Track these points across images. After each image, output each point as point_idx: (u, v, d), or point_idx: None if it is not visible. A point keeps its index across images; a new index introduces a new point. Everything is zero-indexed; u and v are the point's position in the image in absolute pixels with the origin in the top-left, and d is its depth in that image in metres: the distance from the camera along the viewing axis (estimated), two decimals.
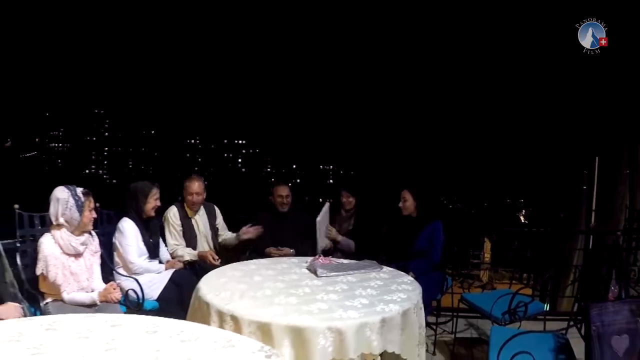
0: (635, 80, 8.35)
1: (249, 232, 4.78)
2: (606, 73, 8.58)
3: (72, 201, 3.40)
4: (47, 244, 3.45)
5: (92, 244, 3.74)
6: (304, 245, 4.73)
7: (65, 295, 3.49)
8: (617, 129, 8.52)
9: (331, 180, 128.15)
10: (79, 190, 3.50)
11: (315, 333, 2.35)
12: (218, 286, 2.96)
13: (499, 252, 13.40)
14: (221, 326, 2.52)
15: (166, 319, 2.33)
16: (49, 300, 3.52)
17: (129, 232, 4.18)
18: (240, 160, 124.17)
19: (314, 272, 3.31)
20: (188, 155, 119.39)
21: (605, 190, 8.11)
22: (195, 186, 4.78)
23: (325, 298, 2.79)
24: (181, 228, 4.74)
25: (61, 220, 3.44)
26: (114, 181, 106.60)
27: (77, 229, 3.54)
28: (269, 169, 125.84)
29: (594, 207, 8.24)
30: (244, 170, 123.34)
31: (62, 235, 3.47)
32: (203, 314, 2.68)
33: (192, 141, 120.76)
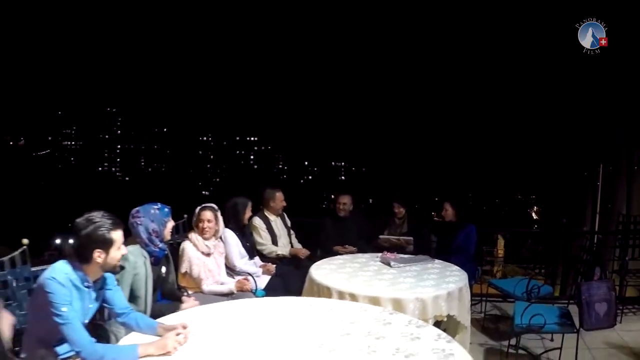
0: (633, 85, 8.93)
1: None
2: (606, 77, 9.27)
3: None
4: (189, 248, 4.37)
5: (219, 247, 4.68)
6: (362, 243, 5.95)
7: (205, 287, 4.36)
8: (617, 134, 9.31)
9: (343, 177, 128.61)
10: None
11: (408, 302, 3.58)
12: (327, 275, 4.16)
13: (511, 249, 14.14)
14: (319, 293, 3.87)
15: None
16: (190, 292, 4.18)
17: (231, 241, 5.04)
18: (252, 157, 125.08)
19: (388, 264, 4.52)
20: (200, 152, 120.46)
21: (606, 194, 8.84)
22: (282, 196, 5.99)
23: (405, 280, 4.07)
24: (267, 232, 5.80)
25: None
26: (127, 179, 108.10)
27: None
28: (280, 166, 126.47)
29: (597, 210, 8.94)
30: (255, 167, 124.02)
31: (198, 238, 4.45)
32: (323, 295, 3.81)
33: (204, 138, 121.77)
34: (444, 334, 2.68)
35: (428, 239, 6.07)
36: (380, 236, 5.81)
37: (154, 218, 3.41)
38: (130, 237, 3.25)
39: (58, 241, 33.45)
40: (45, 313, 2.25)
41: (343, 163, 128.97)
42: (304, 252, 5.89)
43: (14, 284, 3.30)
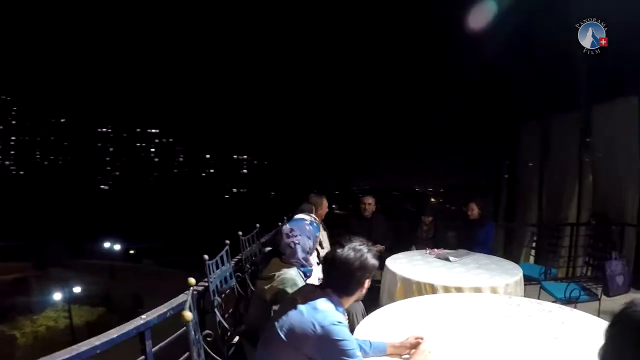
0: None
1: None
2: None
3: None
4: None
5: None
6: (387, 242, 5.90)
7: None
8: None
9: (245, 170, 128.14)
10: None
11: (499, 288, 3.73)
12: (403, 270, 4.11)
13: None
14: (420, 291, 3.74)
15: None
16: None
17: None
18: (152, 149, 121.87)
19: (446, 259, 4.61)
20: (99, 144, 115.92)
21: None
22: (326, 203, 5.58)
23: (476, 272, 4.13)
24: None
25: None
26: (21, 173, 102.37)
27: None
28: (181, 159, 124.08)
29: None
30: (156, 160, 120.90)
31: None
32: (426, 291, 3.76)
33: (104, 130, 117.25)
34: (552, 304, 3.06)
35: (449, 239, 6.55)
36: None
37: (310, 235, 3.04)
38: (282, 259, 2.93)
39: None
40: None
41: (245, 156, 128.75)
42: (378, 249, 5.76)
43: None
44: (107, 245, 38.35)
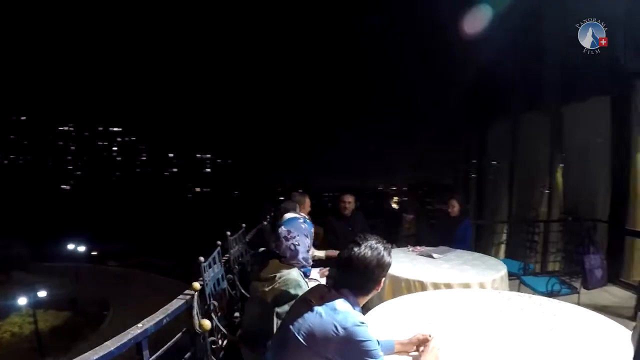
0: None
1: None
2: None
3: None
4: None
5: None
6: None
7: None
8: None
9: (209, 169, 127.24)
10: None
11: (487, 284, 3.80)
12: (406, 270, 4.07)
13: None
14: (409, 289, 3.80)
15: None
16: None
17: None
18: (115, 148, 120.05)
19: (430, 256, 4.63)
20: (61, 143, 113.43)
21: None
22: (309, 202, 5.61)
23: (461, 268, 4.17)
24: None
25: None
26: None
27: None
28: (144, 158, 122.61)
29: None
30: (119, 159, 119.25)
31: None
32: (415, 288, 3.81)
33: (65, 128, 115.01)
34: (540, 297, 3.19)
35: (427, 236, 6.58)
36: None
37: (307, 233, 2.98)
38: (281, 260, 2.85)
39: None
40: None
41: (209, 155, 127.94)
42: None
43: None
44: (70, 247, 37.08)
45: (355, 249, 2.11)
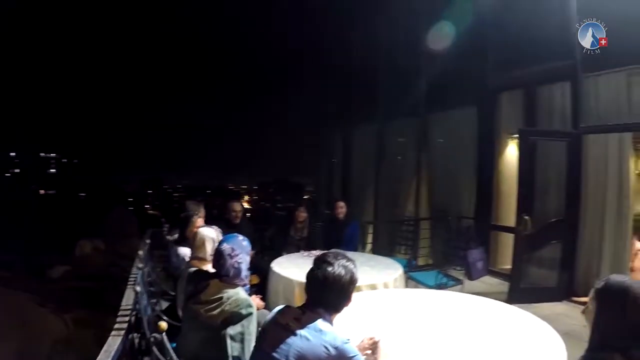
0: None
1: None
2: None
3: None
4: None
5: None
6: (257, 247, 5.77)
7: None
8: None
9: (54, 170, 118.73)
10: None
11: (389, 283, 4.08)
12: (296, 274, 4.22)
13: None
14: (284, 286, 4.16)
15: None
16: None
17: None
18: None
19: None
20: None
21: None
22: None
23: (362, 270, 3.40)
24: None
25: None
26: None
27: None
28: None
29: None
30: None
31: None
32: (301, 290, 3.35)
33: None
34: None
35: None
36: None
37: (247, 251, 2.87)
38: (223, 280, 2.73)
39: None
40: None
41: (54, 154, 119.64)
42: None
43: None
44: None
45: (329, 269, 2.10)
